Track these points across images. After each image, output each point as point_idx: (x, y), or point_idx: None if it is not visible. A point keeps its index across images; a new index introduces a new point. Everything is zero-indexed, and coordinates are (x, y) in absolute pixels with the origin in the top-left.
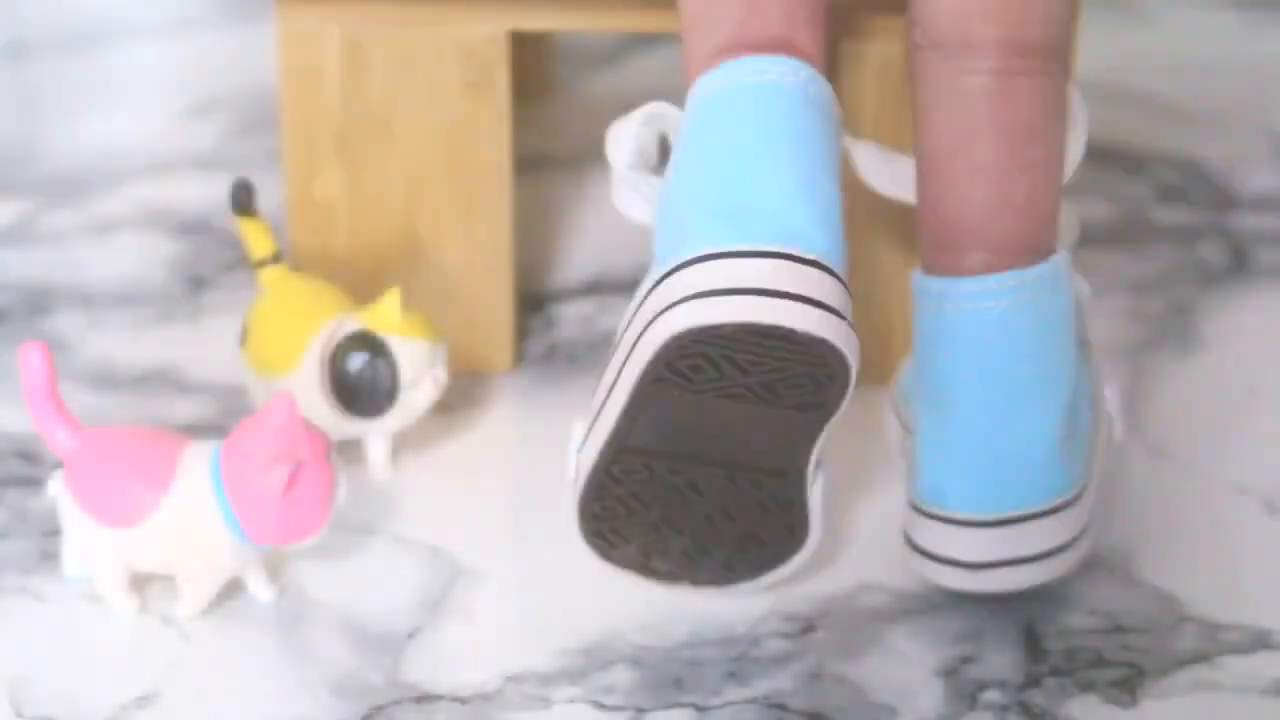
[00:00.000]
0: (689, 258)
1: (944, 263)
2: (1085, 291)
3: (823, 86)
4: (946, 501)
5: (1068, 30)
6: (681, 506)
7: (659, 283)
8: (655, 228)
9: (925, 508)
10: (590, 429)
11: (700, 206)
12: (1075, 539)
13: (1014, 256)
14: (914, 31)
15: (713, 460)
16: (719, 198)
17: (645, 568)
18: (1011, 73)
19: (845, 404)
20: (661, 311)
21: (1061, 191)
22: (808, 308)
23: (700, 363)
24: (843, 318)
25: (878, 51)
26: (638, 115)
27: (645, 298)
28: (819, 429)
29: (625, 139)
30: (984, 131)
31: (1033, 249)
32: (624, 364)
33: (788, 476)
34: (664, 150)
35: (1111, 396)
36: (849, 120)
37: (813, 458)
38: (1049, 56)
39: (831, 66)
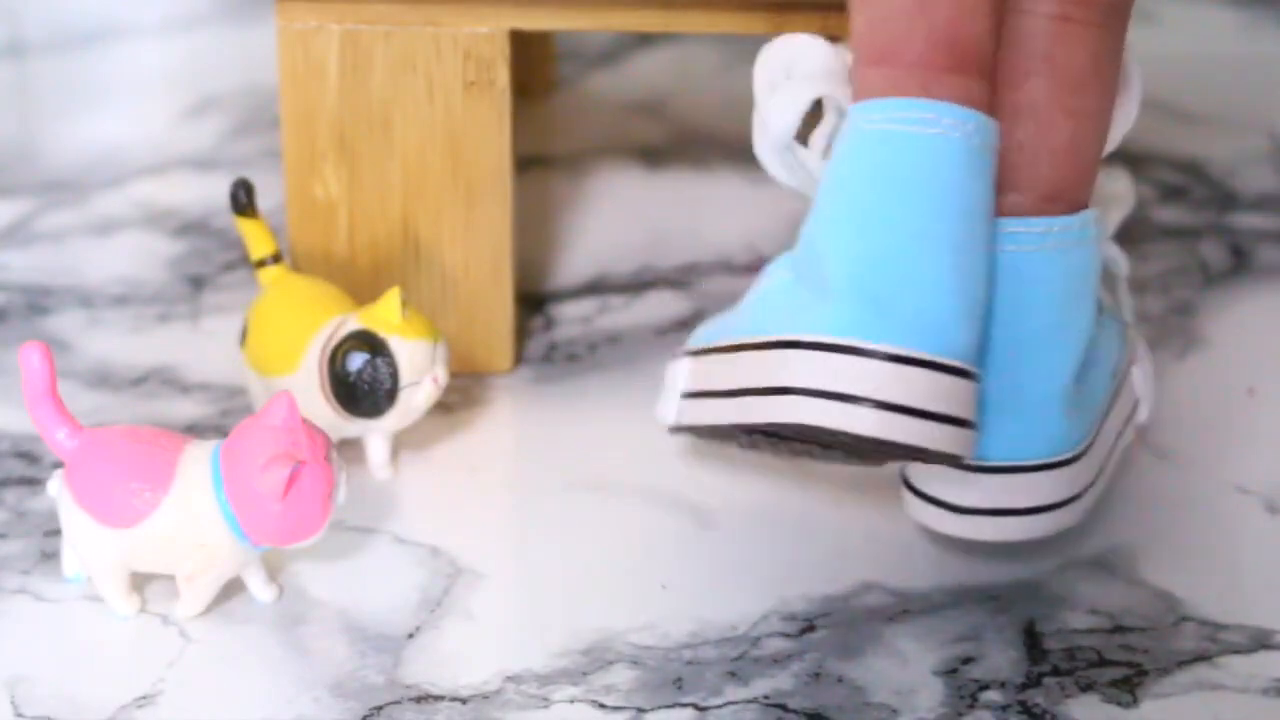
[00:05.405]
0: (825, 338)
1: None
2: (1122, 265)
3: (988, 132)
4: None
5: None
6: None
7: (791, 328)
8: (809, 213)
9: None
10: (701, 395)
11: (845, 270)
12: (1069, 500)
13: (1046, 202)
14: None
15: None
16: (865, 272)
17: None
18: (1069, 19)
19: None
20: (784, 388)
21: (1103, 147)
22: (933, 425)
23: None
24: (969, 425)
25: None
26: (806, 93)
27: (770, 314)
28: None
29: (793, 108)
30: (1034, 73)
31: (1065, 198)
32: (738, 394)
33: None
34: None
35: (1140, 377)
36: None
37: None
38: (1108, 11)
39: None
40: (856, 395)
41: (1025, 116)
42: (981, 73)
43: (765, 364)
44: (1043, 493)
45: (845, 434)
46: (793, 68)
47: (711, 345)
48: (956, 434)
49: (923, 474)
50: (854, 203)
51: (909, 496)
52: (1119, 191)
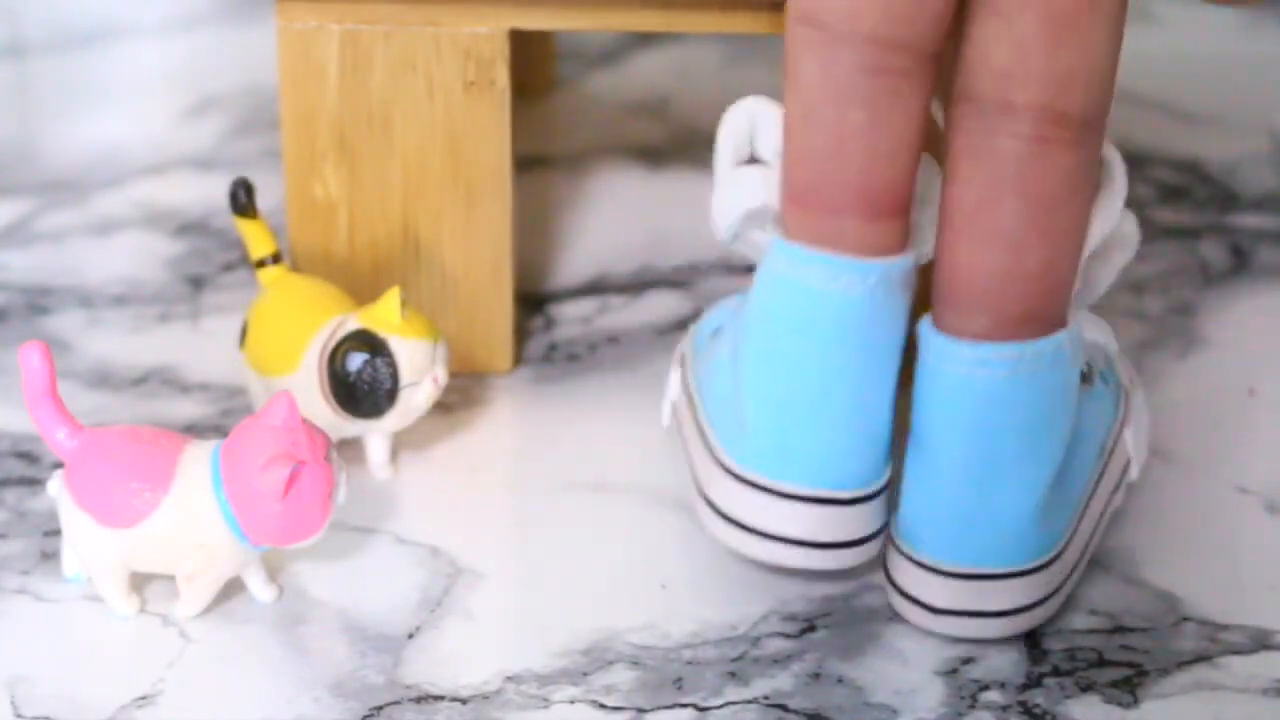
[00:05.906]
0: (745, 471)
1: (948, 321)
2: (1112, 346)
3: (897, 273)
4: (917, 544)
5: (1107, 102)
6: None
7: (722, 438)
8: (753, 283)
9: (899, 543)
10: (677, 422)
11: (755, 410)
12: (1046, 598)
13: (1019, 325)
14: (953, 80)
15: None
16: (771, 416)
17: None
18: (1044, 140)
19: None
20: (711, 503)
21: (1080, 260)
22: (841, 552)
23: None
24: (874, 538)
25: None
26: (746, 202)
27: (714, 400)
28: None
29: (733, 213)
30: (1008, 196)
31: (1040, 319)
32: (692, 462)
33: None
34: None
35: (1132, 437)
36: None
37: None
38: (1084, 128)
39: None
40: (766, 532)
41: (997, 241)
42: (897, 214)
43: (704, 466)
44: (1016, 597)
45: (755, 560)
46: (754, 137)
47: (688, 381)
48: (857, 553)
49: (900, 571)
50: (762, 347)
51: (889, 589)
52: (1126, 233)
